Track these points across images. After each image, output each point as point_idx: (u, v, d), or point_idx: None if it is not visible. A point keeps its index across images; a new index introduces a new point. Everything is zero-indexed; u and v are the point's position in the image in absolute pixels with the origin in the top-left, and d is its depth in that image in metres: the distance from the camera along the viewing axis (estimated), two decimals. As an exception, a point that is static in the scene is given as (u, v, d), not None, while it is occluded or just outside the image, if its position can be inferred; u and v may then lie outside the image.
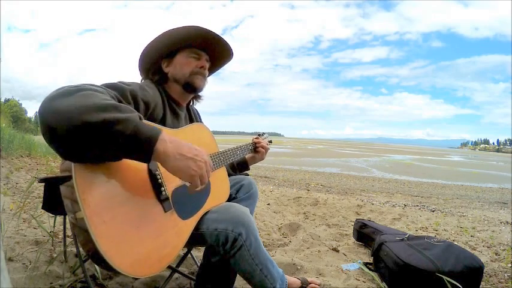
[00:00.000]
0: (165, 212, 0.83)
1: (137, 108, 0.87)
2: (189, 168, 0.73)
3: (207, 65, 1.13)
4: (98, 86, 0.74)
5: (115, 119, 0.63)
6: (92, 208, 0.65)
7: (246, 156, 1.40)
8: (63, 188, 0.69)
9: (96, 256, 0.66)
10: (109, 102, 0.66)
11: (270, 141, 1.52)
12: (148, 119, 0.91)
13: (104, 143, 0.64)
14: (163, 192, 0.82)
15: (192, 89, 1.10)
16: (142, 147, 0.67)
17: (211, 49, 1.12)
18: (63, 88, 0.68)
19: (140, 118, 0.69)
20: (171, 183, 0.87)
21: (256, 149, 1.39)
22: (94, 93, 0.67)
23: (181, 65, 1.08)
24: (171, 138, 0.71)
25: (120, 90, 0.81)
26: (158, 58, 1.09)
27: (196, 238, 0.95)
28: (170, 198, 0.85)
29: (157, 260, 0.79)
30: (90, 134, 0.62)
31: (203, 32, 1.04)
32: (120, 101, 0.78)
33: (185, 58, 1.08)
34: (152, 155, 0.68)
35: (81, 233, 0.66)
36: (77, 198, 0.63)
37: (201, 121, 1.28)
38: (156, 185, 0.81)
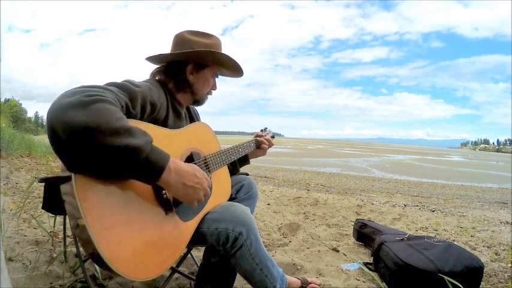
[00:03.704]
0: (166, 214, 0.83)
1: (144, 111, 0.87)
2: (188, 195, 0.80)
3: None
4: (109, 91, 0.73)
5: (128, 146, 0.65)
6: (93, 215, 0.65)
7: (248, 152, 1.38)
8: (63, 187, 0.69)
9: (97, 257, 0.66)
10: (123, 124, 0.66)
11: (273, 137, 1.51)
12: (151, 120, 0.91)
13: (113, 166, 0.66)
14: (164, 195, 0.82)
15: (198, 105, 1.20)
16: (150, 175, 0.72)
17: (226, 69, 1.18)
18: (74, 95, 0.65)
19: (151, 141, 0.72)
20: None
21: (260, 146, 1.39)
22: (109, 109, 0.66)
23: (204, 82, 1.11)
24: (176, 167, 0.76)
25: (130, 93, 0.81)
26: (190, 59, 1.07)
27: (196, 238, 0.95)
28: (171, 200, 0.85)
29: (160, 263, 0.79)
30: (101, 155, 0.63)
31: (237, 66, 1.13)
32: (127, 107, 0.79)
33: (210, 76, 1.12)
34: (157, 182, 0.74)
35: (82, 234, 0.66)
36: (78, 205, 0.63)
37: (199, 120, 1.29)
38: (157, 188, 0.81)
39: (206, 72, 1.10)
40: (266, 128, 1.50)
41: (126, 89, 0.81)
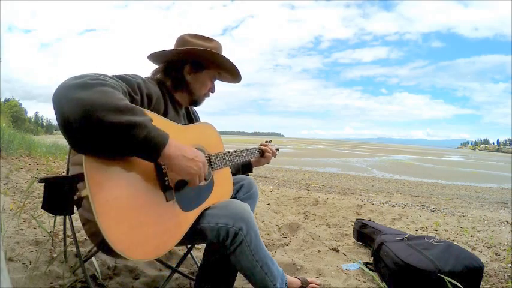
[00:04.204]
0: (167, 201, 0.85)
1: (142, 101, 0.90)
2: (190, 168, 0.82)
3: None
4: (111, 79, 0.77)
5: (131, 122, 0.68)
6: (97, 186, 0.68)
7: (251, 159, 1.43)
8: (80, 185, 0.71)
9: (104, 245, 0.69)
10: (125, 104, 0.70)
11: (277, 149, 1.56)
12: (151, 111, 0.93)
13: (116, 143, 0.69)
14: (167, 182, 0.85)
15: (195, 105, 1.21)
16: (152, 151, 0.74)
17: (225, 72, 1.19)
18: (80, 78, 0.70)
19: (151, 120, 0.74)
20: (175, 174, 0.89)
21: (264, 155, 1.44)
22: (112, 91, 0.71)
23: (201, 84, 1.12)
24: (175, 143, 0.79)
25: (128, 83, 0.85)
26: (188, 58, 1.09)
27: (196, 233, 0.96)
28: (173, 189, 0.87)
29: (155, 247, 0.80)
30: (104, 132, 0.66)
31: (235, 70, 1.14)
32: (129, 93, 0.83)
33: (208, 78, 1.13)
34: (159, 158, 0.76)
35: (84, 208, 0.69)
36: (84, 176, 0.67)
37: (199, 121, 1.30)
38: (161, 174, 0.83)
39: (204, 73, 1.12)
40: (271, 141, 1.55)
41: (124, 79, 0.85)
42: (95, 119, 0.64)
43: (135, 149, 0.72)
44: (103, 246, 0.71)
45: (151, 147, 0.73)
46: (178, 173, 0.83)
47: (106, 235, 0.67)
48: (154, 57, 1.10)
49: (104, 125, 0.65)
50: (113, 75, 0.82)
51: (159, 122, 0.88)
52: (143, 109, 0.76)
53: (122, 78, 0.85)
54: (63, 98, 0.66)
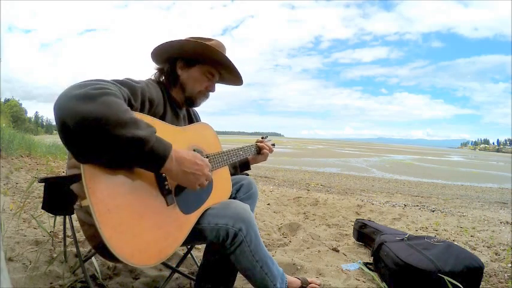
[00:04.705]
0: (168, 205, 0.85)
1: (143, 106, 0.90)
2: (189, 181, 0.84)
3: (215, 85, 1.17)
4: (113, 85, 0.76)
5: (135, 137, 0.68)
6: (97, 196, 0.67)
7: (249, 157, 1.42)
8: (74, 186, 0.71)
9: (102, 248, 0.69)
10: (130, 116, 0.70)
11: (273, 145, 1.55)
12: (150, 115, 0.93)
13: (120, 156, 0.69)
14: (167, 186, 0.85)
15: (191, 105, 1.16)
16: (154, 164, 0.75)
17: (225, 72, 1.16)
18: (82, 88, 0.68)
19: (155, 132, 0.75)
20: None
21: (261, 152, 1.43)
22: (116, 101, 0.70)
23: (194, 79, 1.10)
24: (177, 156, 0.79)
25: (131, 89, 0.84)
26: (179, 54, 1.09)
27: (196, 233, 0.96)
28: (173, 192, 0.87)
29: (158, 251, 0.80)
30: (109, 146, 0.66)
31: (231, 67, 1.11)
32: (129, 100, 0.82)
33: (201, 74, 1.11)
34: (160, 170, 0.77)
35: (85, 215, 0.69)
36: (84, 186, 0.66)
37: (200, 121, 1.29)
38: (161, 178, 0.83)
39: (196, 68, 1.10)
40: (267, 136, 1.54)
41: (127, 85, 0.84)
42: (101, 133, 0.64)
43: (138, 162, 0.73)
44: (102, 250, 0.70)
45: (154, 161, 0.74)
46: (179, 183, 0.85)
47: (109, 244, 0.67)
48: (154, 56, 1.10)
49: (109, 139, 0.66)
50: (115, 80, 0.82)
51: (156, 125, 0.87)
52: (147, 121, 0.76)
53: (124, 83, 0.84)
54: (65, 109, 0.65)
